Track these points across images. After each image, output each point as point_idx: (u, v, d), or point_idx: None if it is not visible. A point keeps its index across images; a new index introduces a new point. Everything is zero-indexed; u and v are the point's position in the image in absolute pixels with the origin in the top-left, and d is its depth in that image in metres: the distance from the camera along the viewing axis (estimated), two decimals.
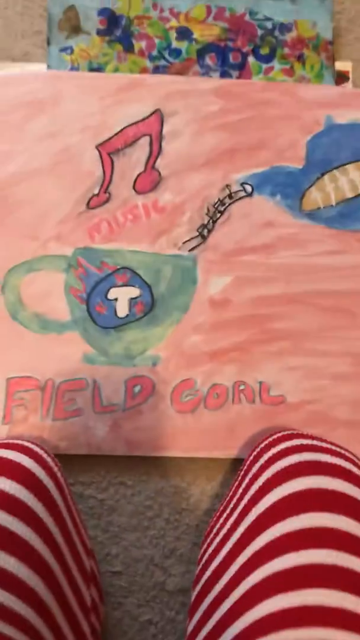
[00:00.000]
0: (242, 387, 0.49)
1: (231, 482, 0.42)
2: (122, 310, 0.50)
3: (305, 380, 0.50)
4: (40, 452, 0.36)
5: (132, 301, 0.50)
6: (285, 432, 0.38)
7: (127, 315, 0.50)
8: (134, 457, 0.48)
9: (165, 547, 0.47)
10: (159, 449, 0.48)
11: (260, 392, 0.49)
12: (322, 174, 0.52)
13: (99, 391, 0.48)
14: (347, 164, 0.52)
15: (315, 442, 0.35)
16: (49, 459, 0.36)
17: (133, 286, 0.50)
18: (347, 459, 0.34)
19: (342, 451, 0.35)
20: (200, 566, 0.39)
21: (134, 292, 0.50)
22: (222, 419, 0.49)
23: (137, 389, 0.49)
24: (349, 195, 0.52)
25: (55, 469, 0.36)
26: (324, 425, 0.49)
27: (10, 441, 0.36)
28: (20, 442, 0.36)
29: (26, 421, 0.47)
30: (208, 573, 0.36)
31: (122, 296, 0.50)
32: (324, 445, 0.35)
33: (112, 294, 0.50)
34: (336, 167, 0.52)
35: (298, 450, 0.34)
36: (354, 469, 0.33)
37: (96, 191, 0.51)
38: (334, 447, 0.35)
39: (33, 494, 0.32)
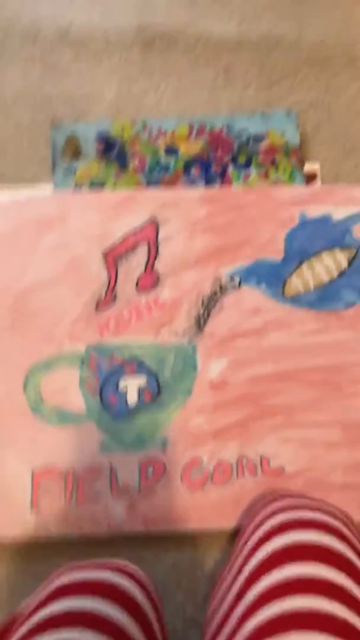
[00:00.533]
0: (244, 462, 0.54)
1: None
2: (132, 398, 0.55)
3: (302, 450, 0.55)
4: (138, 572, 0.37)
5: (141, 389, 0.56)
6: (272, 496, 0.43)
7: (137, 403, 0.55)
8: (151, 536, 0.53)
9: (186, 617, 0.51)
10: (173, 524, 0.53)
11: (261, 465, 0.54)
12: (300, 263, 0.59)
13: (116, 475, 0.53)
14: (322, 252, 0.59)
15: (296, 501, 0.41)
16: (145, 579, 0.38)
17: (140, 375, 0.56)
18: (324, 512, 0.39)
19: (321, 505, 0.40)
20: (207, 620, 0.42)
21: (142, 380, 0.56)
22: (228, 492, 0.54)
23: (150, 470, 0.54)
24: (325, 279, 0.59)
25: (151, 588, 0.38)
26: (320, 490, 0.54)
27: (107, 562, 0.38)
28: (115, 562, 0.38)
29: (52, 508, 0.52)
30: (213, 625, 0.40)
31: (132, 385, 0.56)
32: (304, 502, 0.40)
33: (122, 385, 0.56)
34: (312, 256, 0.59)
35: (282, 510, 0.39)
36: (330, 520, 0.38)
37: (103, 293, 0.58)
38: (313, 503, 0.40)
39: (132, 617, 0.33)
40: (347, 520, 0.40)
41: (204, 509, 0.53)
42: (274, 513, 0.40)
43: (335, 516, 0.39)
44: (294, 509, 0.40)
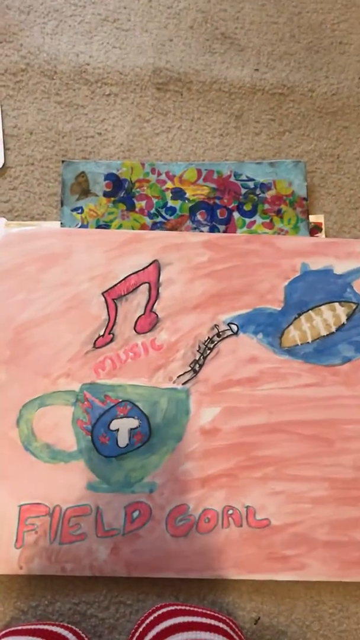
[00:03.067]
0: (230, 512, 0.54)
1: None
2: (123, 440, 0.56)
3: (288, 504, 0.55)
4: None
5: (132, 431, 0.56)
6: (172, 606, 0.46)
7: (127, 445, 0.56)
8: (132, 578, 0.53)
9: None
10: (155, 570, 0.53)
11: (247, 516, 0.54)
12: (299, 315, 0.59)
13: (101, 517, 0.54)
14: (321, 305, 0.60)
15: (191, 608, 0.43)
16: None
17: (133, 417, 0.56)
18: (218, 619, 0.40)
19: (214, 613, 0.41)
20: None
21: (134, 423, 0.56)
22: (212, 542, 0.54)
23: (135, 514, 0.54)
24: (323, 333, 0.59)
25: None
26: (304, 545, 0.54)
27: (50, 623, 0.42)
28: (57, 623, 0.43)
29: (36, 545, 0.53)
30: None
31: (123, 427, 0.56)
32: (199, 610, 0.43)
33: (114, 425, 0.56)
34: (311, 308, 0.59)
35: (176, 614, 0.41)
36: (221, 625, 0.39)
37: (102, 332, 0.58)
38: (207, 612, 0.43)
39: None
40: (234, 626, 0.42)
41: (187, 557, 0.53)
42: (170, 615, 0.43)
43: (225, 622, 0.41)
44: (187, 614, 0.41)
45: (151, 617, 0.45)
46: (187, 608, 0.46)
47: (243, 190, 0.63)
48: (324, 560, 0.54)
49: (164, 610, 0.46)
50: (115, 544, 0.53)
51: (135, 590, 0.53)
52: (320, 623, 0.53)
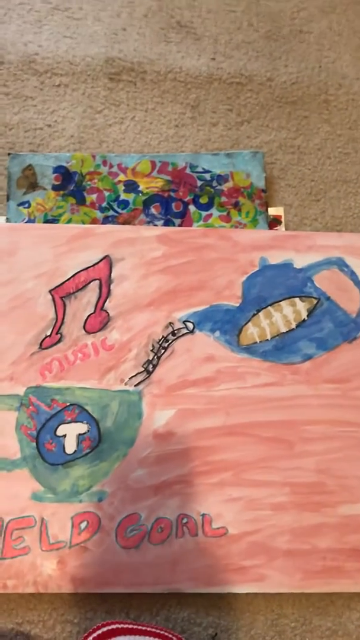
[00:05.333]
0: (185, 521, 0.51)
1: None
2: (70, 446, 0.52)
3: (246, 511, 0.52)
4: None
5: (80, 437, 0.53)
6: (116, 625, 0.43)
7: (75, 452, 0.52)
8: (79, 594, 0.49)
9: None
10: (104, 585, 0.50)
11: (202, 525, 0.51)
12: (258, 311, 0.56)
13: (47, 529, 0.50)
14: (281, 300, 0.57)
15: (137, 627, 0.42)
16: None
17: (81, 422, 0.53)
18: (167, 638, 0.38)
19: (164, 632, 0.38)
20: None
21: (82, 428, 0.53)
22: (165, 553, 0.50)
23: (83, 525, 0.51)
24: (283, 330, 0.56)
25: None
26: (264, 555, 0.51)
27: None
28: None
29: None
30: None
31: (71, 432, 0.53)
32: (147, 628, 0.41)
33: (61, 431, 0.53)
34: (271, 304, 0.57)
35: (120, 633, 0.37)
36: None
37: (49, 332, 0.55)
38: (156, 630, 0.41)
39: None
40: None
41: (138, 570, 0.50)
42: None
43: None
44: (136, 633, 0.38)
45: (93, 636, 0.42)
46: (133, 627, 0.43)
47: (199, 183, 0.60)
48: (285, 570, 0.51)
49: (107, 628, 0.42)
50: (61, 557, 0.50)
51: (82, 608, 0.49)
52: (282, 638, 0.50)
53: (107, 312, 0.56)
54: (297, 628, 0.50)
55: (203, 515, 0.51)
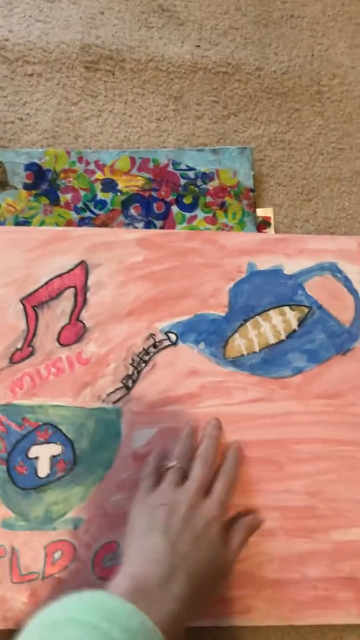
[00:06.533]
0: None
1: None
2: (43, 469, 0.49)
3: None
4: None
5: (54, 459, 0.49)
6: None
7: (48, 475, 0.49)
8: None
9: None
10: None
11: None
12: (245, 321, 0.53)
13: (17, 559, 0.47)
14: (270, 309, 0.53)
15: None
16: None
17: (55, 443, 0.49)
18: None
19: None
20: None
21: (56, 449, 0.49)
22: None
23: (57, 555, 0.47)
24: (272, 341, 0.52)
25: None
26: (251, 585, 0.48)
27: None
28: None
29: None
30: None
31: (44, 454, 0.49)
32: None
33: (33, 452, 0.49)
34: (259, 313, 0.53)
35: None
36: None
37: (19, 345, 0.51)
38: None
39: None
40: None
41: None
42: None
43: None
44: None
45: None
46: None
47: (182, 181, 0.56)
48: (273, 601, 0.48)
49: None
50: (33, 590, 0.46)
51: None
52: None
53: (83, 323, 0.52)
54: None
55: None
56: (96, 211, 0.55)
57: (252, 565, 0.48)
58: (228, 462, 0.47)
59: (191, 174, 0.56)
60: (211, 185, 0.56)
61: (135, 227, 0.55)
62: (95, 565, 0.47)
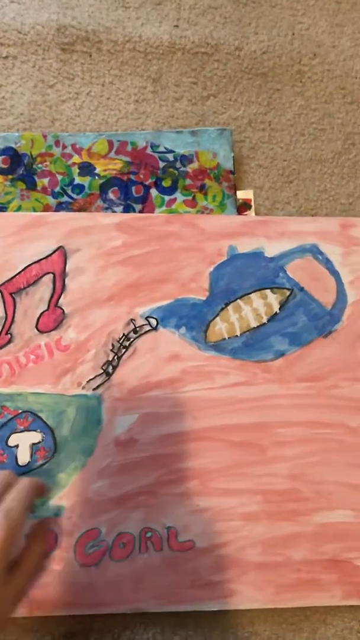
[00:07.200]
0: (149, 535, 0.47)
1: None
2: (24, 457, 0.48)
3: (215, 523, 0.48)
4: None
5: (34, 447, 0.48)
6: None
7: (29, 463, 0.48)
8: (35, 617, 0.46)
9: None
10: (62, 607, 0.46)
11: (168, 539, 0.47)
12: (226, 305, 0.52)
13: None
14: (251, 292, 0.52)
15: None
16: None
17: (35, 431, 0.49)
18: None
19: None
20: None
21: (36, 437, 0.49)
22: (128, 570, 0.47)
23: None
24: (253, 324, 0.52)
25: None
26: (234, 569, 0.47)
27: None
28: None
29: None
30: None
31: (24, 442, 0.48)
32: None
33: (12, 441, 0.48)
34: (240, 297, 0.52)
35: None
36: None
37: None
38: None
39: None
40: None
41: (100, 589, 0.46)
42: None
43: None
44: None
45: None
46: None
47: (161, 164, 0.55)
48: (256, 585, 0.47)
49: None
50: None
51: (38, 632, 0.46)
52: None
53: (62, 309, 0.51)
54: None
55: (168, 528, 0.48)
56: (74, 196, 0.54)
57: (235, 549, 0.48)
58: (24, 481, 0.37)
59: (170, 157, 0.55)
60: (190, 168, 0.55)
61: (114, 211, 0.54)
62: (78, 552, 0.47)
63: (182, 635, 0.47)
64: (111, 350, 0.51)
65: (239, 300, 0.52)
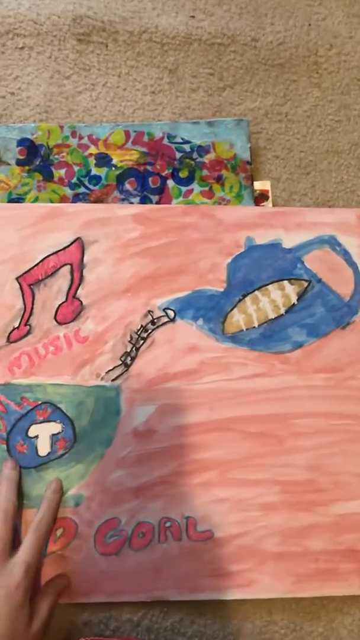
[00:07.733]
0: (168, 524, 0.48)
1: None
2: (44, 448, 0.48)
3: (233, 513, 0.48)
4: None
5: (54, 437, 0.49)
6: None
7: (49, 453, 0.48)
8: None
9: None
10: (83, 595, 0.46)
11: (187, 529, 0.48)
12: (244, 296, 0.52)
13: (20, 538, 0.47)
14: (269, 284, 0.52)
15: None
16: None
17: (54, 421, 0.49)
18: None
19: None
20: None
21: (56, 427, 0.49)
22: (147, 559, 0.47)
23: (59, 532, 0.47)
24: (271, 316, 0.52)
25: None
26: (253, 559, 0.48)
27: None
28: None
29: None
30: None
31: (43, 433, 0.49)
32: None
33: (33, 431, 0.49)
34: (258, 288, 0.52)
35: None
36: None
37: (16, 324, 0.50)
38: None
39: None
40: None
41: (119, 578, 0.47)
42: None
43: None
44: None
45: None
46: None
47: (178, 155, 0.55)
48: (275, 574, 0.48)
49: None
50: None
51: (60, 618, 0.46)
52: None
53: (80, 301, 0.51)
54: (287, 635, 0.48)
55: (187, 518, 0.48)
56: (90, 186, 0.54)
57: (253, 539, 0.48)
58: (39, 515, 0.44)
59: (187, 147, 0.55)
60: (207, 158, 0.55)
61: (131, 202, 0.54)
62: (97, 541, 0.47)
63: (201, 624, 0.47)
64: (129, 341, 0.51)
65: (256, 292, 0.52)
